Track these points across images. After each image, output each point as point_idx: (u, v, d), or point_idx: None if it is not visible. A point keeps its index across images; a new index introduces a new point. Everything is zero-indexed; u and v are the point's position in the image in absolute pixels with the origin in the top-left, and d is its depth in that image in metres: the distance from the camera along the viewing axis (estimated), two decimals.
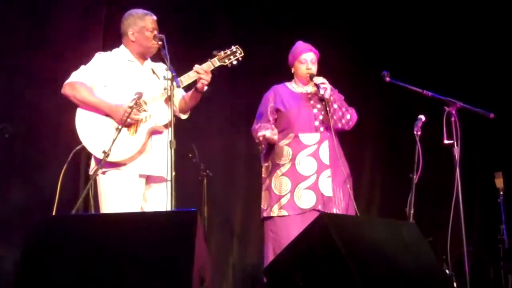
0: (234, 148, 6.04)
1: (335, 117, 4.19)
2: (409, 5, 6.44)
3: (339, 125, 4.24)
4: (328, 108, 4.17)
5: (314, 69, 4.28)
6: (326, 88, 4.16)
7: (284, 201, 4.14)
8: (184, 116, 3.93)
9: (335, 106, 4.22)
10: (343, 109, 4.25)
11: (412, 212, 4.00)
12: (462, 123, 4.09)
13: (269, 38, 5.92)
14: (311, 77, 4.24)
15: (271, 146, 4.27)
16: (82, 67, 3.77)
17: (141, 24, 3.76)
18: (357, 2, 6.44)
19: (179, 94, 3.89)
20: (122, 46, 3.85)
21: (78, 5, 5.24)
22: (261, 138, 4.20)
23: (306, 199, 4.13)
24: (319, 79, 4.20)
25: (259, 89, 4.55)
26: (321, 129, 4.22)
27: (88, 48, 4.99)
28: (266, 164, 4.30)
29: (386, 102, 6.41)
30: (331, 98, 4.20)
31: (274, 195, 4.18)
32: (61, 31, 5.11)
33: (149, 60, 3.90)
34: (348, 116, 4.26)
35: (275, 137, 4.17)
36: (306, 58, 4.27)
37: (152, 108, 3.68)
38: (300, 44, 4.35)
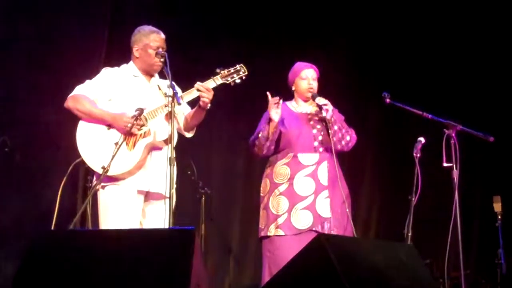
0: (233, 166, 6.04)
1: (335, 138, 4.18)
2: (410, 27, 6.47)
3: (339, 146, 4.23)
4: (329, 130, 4.19)
5: (315, 85, 4.27)
6: (328, 110, 4.15)
7: (281, 220, 4.13)
8: (188, 134, 3.94)
9: (336, 127, 4.21)
10: (343, 131, 4.24)
11: (410, 234, 3.99)
12: (462, 146, 4.10)
13: (270, 57, 5.96)
14: (313, 97, 4.24)
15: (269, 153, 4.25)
16: (87, 81, 3.80)
17: (146, 41, 3.78)
18: (359, 23, 6.48)
19: (183, 112, 3.90)
20: (130, 62, 3.88)
21: (82, 21, 5.28)
22: (265, 132, 4.12)
23: (303, 220, 4.11)
24: (321, 100, 4.18)
25: (259, 107, 4.59)
26: (320, 149, 4.21)
27: (90, 63, 5.04)
28: (265, 183, 4.31)
29: (386, 124, 6.44)
30: (332, 119, 4.19)
31: (271, 214, 4.17)
32: (63, 45, 5.15)
33: (156, 77, 3.91)
34: (347, 138, 4.25)
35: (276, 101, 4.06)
36: (307, 75, 4.28)
37: (152, 124, 3.69)
38: (300, 63, 4.36)
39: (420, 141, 4.13)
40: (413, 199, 4.01)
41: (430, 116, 4.20)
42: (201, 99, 3.71)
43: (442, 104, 5.78)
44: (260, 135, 4.19)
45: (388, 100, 4.26)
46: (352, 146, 4.31)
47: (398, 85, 5.87)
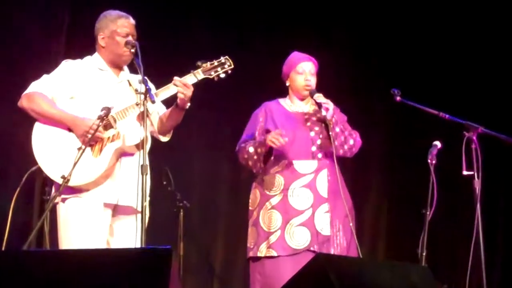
0: (216, 175, 6.03)
1: (336, 142, 4.18)
2: (426, 14, 6.49)
3: (341, 151, 4.23)
4: (329, 132, 4.18)
5: (313, 81, 4.29)
6: (329, 108, 4.15)
7: (273, 239, 4.12)
8: (164, 138, 3.93)
9: (337, 129, 4.21)
10: (346, 133, 4.25)
11: (424, 253, 4.00)
12: (484, 151, 4.11)
13: (261, 48, 5.97)
14: (312, 94, 4.25)
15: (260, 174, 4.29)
16: (44, 76, 3.77)
17: (113, 27, 3.76)
18: (365, 6, 6.48)
19: (157, 112, 3.89)
20: (95, 54, 3.86)
21: (37, 13, 5.24)
22: (258, 150, 4.17)
23: (299, 238, 4.11)
24: (321, 98, 4.19)
25: (247, 106, 4.58)
26: (319, 155, 4.21)
27: (48, 54, 5.01)
28: (254, 195, 4.30)
29: (396, 125, 6.43)
30: (334, 119, 4.20)
31: (262, 231, 4.16)
32: (16, 32, 5.12)
33: (126, 71, 3.89)
34: (351, 142, 4.26)
35: (281, 140, 4.08)
36: (304, 69, 4.29)
37: (121, 126, 3.67)
38: (297, 54, 4.37)
39: (436, 145, 4.15)
40: (428, 213, 4.03)
41: (447, 116, 4.22)
42: (179, 96, 3.69)
43: (461, 103, 5.83)
44: (249, 149, 4.19)
45: (398, 98, 4.27)
46: (356, 151, 4.32)
47: (410, 80, 5.91)
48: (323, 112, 4.16)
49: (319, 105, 4.19)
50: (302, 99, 4.35)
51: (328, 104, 4.18)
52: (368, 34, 6.48)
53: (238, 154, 4.30)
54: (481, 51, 6.46)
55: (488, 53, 6.44)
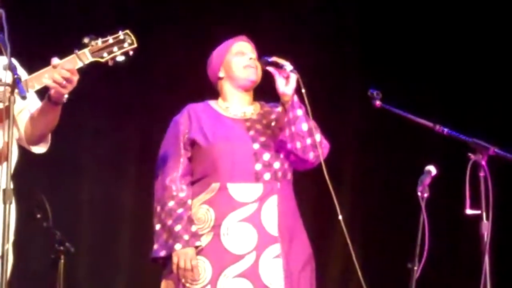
0: (114, 205, 6.03)
1: (293, 129, 4.18)
2: None
3: (299, 151, 4.22)
4: (286, 118, 4.17)
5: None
6: (294, 72, 4.13)
7: None
8: (37, 149, 3.87)
9: (300, 112, 4.20)
10: (311, 123, 4.22)
11: None
12: (497, 181, 4.14)
13: (187, 27, 6.01)
14: (264, 62, 4.25)
15: None
16: None
17: None
18: None
19: (29, 110, 3.84)
20: None
21: None
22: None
23: None
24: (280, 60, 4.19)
25: (163, 108, 4.59)
26: (266, 176, 4.26)
27: None
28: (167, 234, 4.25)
29: (373, 139, 6.54)
30: (295, 98, 4.19)
31: None
32: None
33: None
34: (318, 137, 4.24)
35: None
36: (242, 49, 4.39)
37: None
38: (227, 40, 4.45)
39: (429, 172, 4.15)
40: (416, 268, 4.08)
41: (446, 131, 4.28)
42: (53, 86, 3.62)
43: (467, 113, 5.94)
44: (173, 224, 4.19)
45: (378, 103, 4.32)
46: (323, 157, 4.24)
47: (395, 78, 6.00)
48: (288, 67, 4.16)
49: (279, 65, 4.18)
50: (246, 89, 4.38)
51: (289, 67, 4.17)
52: (341, 16, 6.64)
53: (157, 191, 4.29)
54: (495, 43, 6.64)
55: (504, 46, 6.62)
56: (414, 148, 5.64)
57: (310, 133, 4.23)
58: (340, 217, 4.11)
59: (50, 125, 3.79)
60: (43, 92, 3.72)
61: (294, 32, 6.38)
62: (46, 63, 3.66)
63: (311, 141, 4.23)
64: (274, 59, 4.21)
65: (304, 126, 4.22)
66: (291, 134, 4.19)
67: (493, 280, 4.05)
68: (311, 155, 4.25)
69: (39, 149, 3.88)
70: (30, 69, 3.74)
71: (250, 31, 4.49)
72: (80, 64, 3.69)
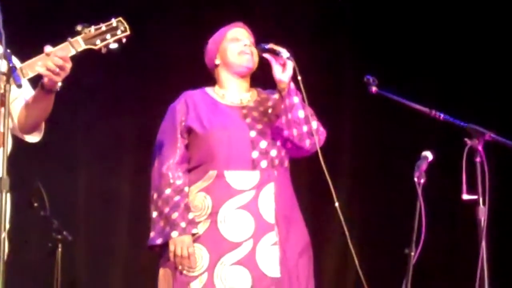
0: (112, 194, 6.05)
1: (290, 115, 4.19)
2: None
3: (295, 133, 4.21)
4: (282, 106, 4.18)
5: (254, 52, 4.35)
6: (291, 58, 4.12)
7: (196, 285, 4.14)
8: (31, 138, 3.86)
9: (296, 99, 4.21)
10: (308, 111, 4.23)
11: None
12: (494, 166, 4.15)
13: (181, 17, 6.01)
14: (261, 48, 4.24)
15: None
16: None
17: None
18: None
19: (24, 98, 3.82)
20: None
21: None
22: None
23: (234, 282, 4.13)
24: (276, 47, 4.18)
25: (159, 97, 4.58)
26: (263, 164, 4.26)
27: None
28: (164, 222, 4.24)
29: (370, 126, 6.55)
30: (292, 86, 4.18)
31: (179, 275, 4.16)
32: None
33: None
34: (314, 125, 4.25)
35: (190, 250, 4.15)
36: (237, 35, 4.39)
37: None
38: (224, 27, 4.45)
39: (426, 157, 4.14)
40: (413, 254, 4.08)
41: (442, 116, 4.28)
42: (46, 73, 3.60)
43: (463, 97, 5.94)
44: (171, 212, 4.20)
45: (374, 89, 4.31)
46: (320, 144, 4.26)
47: (391, 64, 6.00)
48: (284, 54, 4.16)
49: (276, 52, 4.18)
50: (242, 76, 4.38)
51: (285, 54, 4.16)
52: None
53: (154, 178, 4.30)
54: (489, 29, 6.65)
55: (498, 33, 6.63)
56: (410, 134, 5.63)
57: (307, 120, 4.23)
58: (336, 204, 4.10)
59: (43, 113, 3.78)
60: (36, 81, 3.70)
61: (288, 20, 6.36)
62: (39, 51, 3.65)
63: (307, 129, 4.24)
64: (270, 46, 4.20)
65: (301, 113, 4.22)
66: (288, 121, 4.20)
67: (490, 264, 4.06)
68: (307, 143, 4.26)
69: (33, 138, 3.88)
70: (23, 57, 3.72)
71: (244, 20, 4.48)
72: (73, 52, 3.67)
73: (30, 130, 3.83)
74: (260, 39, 4.35)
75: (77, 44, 3.69)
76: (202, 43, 4.48)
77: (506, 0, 6.61)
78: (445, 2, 6.71)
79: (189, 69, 4.79)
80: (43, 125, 3.85)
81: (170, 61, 5.86)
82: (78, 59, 3.65)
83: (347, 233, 4.07)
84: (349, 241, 4.10)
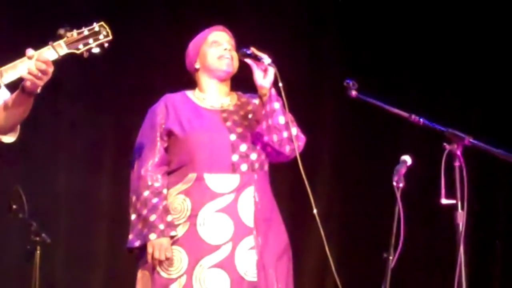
0: (91, 197, 6.04)
1: (270, 121, 4.21)
2: None
3: (275, 139, 4.24)
4: (264, 111, 4.20)
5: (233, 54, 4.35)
6: (272, 65, 4.14)
7: (176, 287, 4.14)
8: (7, 138, 3.83)
9: (277, 105, 4.23)
10: (290, 117, 4.25)
11: None
12: (473, 171, 4.15)
13: (162, 18, 6.02)
14: (242, 53, 4.25)
15: None
16: None
17: None
18: None
19: (2, 99, 3.77)
20: None
21: None
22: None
23: (212, 285, 4.14)
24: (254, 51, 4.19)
25: (139, 100, 4.59)
26: (243, 167, 4.28)
27: None
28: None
29: (349, 130, 6.57)
30: (273, 91, 4.20)
31: (158, 278, 4.18)
32: None
33: None
34: (294, 131, 4.26)
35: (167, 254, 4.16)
36: (217, 39, 4.39)
37: None
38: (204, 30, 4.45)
39: (405, 162, 4.13)
40: (391, 257, 4.10)
41: (421, 120, 4.28)
42: (29, 77, 3.58)
43: (442, 103, 5.97)
44: (150, 214, 4.21)
45: (353, 93, 4.33)
46: (299, 150, 4.28)
47: (372, 68, 6.03)
48: (266, 60, 4.17)
49: (257, 57, 4.19)
50: (222, 80, 4.38)
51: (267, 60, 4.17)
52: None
53: (133, 181, 4.31)
54: (471, 34, 6.68)
55: (483, 36, 6.66)
56: (389, 139, 5.66)
57: (287, 126, 4.26)
58: (315, 211, 4.12)
59: (22, 115, 3.75)
60: (15, 84, 3.68)
61: (270, 23, 6.38)
62: (21, 54, 3.63)
63: (287, 135, 4.27)
64: (252, 51, 4.22)
65: (281, 119, 4.25)
66: (268, 127, 4.23)
67: (468, 269, 4.07)
68: (287, 148, 4.29)
69: (9, 138, 3.83)
70: (3, 60, 3.72)
71: (226, 22, 4.50)
72: (55, 56, 3.65)
73: (7, 131, 3.82)
74: (242, 41, 4.36)
75: (59, 48, 3.68)
76: (184, 46, 4.48)
77: (486, 5, 6.62)
78: (426, 7, 6.71)
79: (171, 71, 4.80)
80: (18, 126, 3.85)
81: (152, 64, 5.87)
82: (60, 61, 3.64)
83: (324, 240, 4.08)
84: (326, 248, 4.11)
